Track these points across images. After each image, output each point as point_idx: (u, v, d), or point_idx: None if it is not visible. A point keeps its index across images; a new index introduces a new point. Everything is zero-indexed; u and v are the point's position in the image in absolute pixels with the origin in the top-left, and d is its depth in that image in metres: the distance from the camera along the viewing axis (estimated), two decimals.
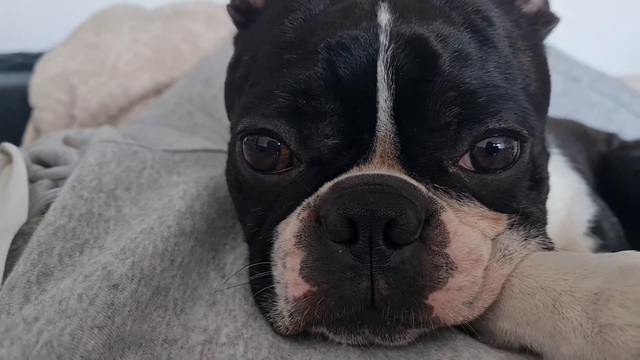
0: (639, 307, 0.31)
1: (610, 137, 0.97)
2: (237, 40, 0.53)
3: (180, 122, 0.83)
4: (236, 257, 0.47)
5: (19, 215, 0.44)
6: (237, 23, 0.54)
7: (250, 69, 0.45)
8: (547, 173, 0.47)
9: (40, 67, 1.24)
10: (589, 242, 0.61)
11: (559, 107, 1.11)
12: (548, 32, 0.54)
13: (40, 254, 0.40)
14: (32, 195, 0.52)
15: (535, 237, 0.41)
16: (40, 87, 1.20)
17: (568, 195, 0.60)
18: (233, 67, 0.50)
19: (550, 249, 0.42)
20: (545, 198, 0.48)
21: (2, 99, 1.36)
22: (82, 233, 0.43)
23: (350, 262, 0.36)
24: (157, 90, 1.19)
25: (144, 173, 0.53)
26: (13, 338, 0.32)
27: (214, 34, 1.26)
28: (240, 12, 0.54)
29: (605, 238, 0.62)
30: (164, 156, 0.57)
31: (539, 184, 0.44)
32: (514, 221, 0.41)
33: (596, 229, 0.61)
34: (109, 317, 0.35)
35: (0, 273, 0.39)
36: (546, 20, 0.53)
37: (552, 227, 0.58)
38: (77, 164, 0.52)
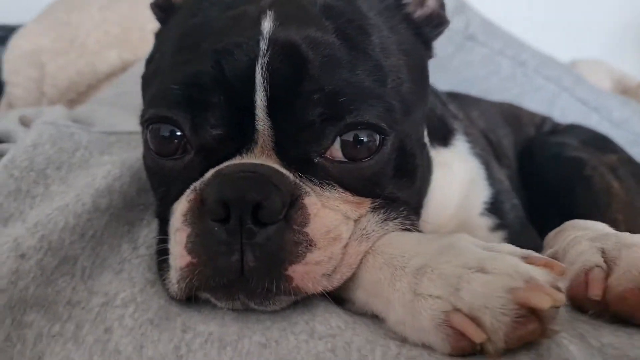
0: (441, 281, 0.38)
1: (542, 121, 1.02)
2: (156, 37, 0.59)
3: (134, 102, 0.89)
4: (150, 231, 0.53)
5: None
6: (159, 19, 0.60)
7: (158, 65, 0.51)
8: (421, 162, 0.53)
9: (12, 44, 1.29)
10: (486, 222, 0.67)
11: (505, 90, 1.18)
12: (439, 33, 0.59)
13: None
14: None
15: (395, 219, 0.47)
16: (12, 63, 1.25)
17: (466, 179, 0.66)
18: (148, 62, 0.55)
19: (410, 229, 0.48)
20: (421, 184, 0.54)
21: None
22: (8, 208, 0.49)
23: (224, 238, 0.42)
24: (124, 68, 1.24)
25: (77, 154, 0.59)
26: None
27: None
28: (161, 10, 0.59)
29: (502, 218, 0.68)
30: (100, 137, 0.63)
31: (410, 172, 0.50)
32: (376, 205, 0.47)
33: (492, 209, 0.67)
34: (12, 282, 0.41)
35: None
36: (438, 22, 0.59)
37: (449, 208, 0.65)
38: (15, 145, 0.58)
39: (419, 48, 0.56)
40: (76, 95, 1.23)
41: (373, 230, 0.46)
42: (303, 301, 0.45)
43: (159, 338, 0.41)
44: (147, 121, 0.48)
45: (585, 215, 0.78)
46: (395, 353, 0.38)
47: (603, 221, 0.75)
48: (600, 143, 0.90)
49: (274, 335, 0.41)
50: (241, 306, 0.44)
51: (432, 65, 1.24)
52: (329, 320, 0.42)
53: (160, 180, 0.49)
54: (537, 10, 1.84)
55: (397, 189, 0.49)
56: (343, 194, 0.45)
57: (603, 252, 0.42)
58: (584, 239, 0.46)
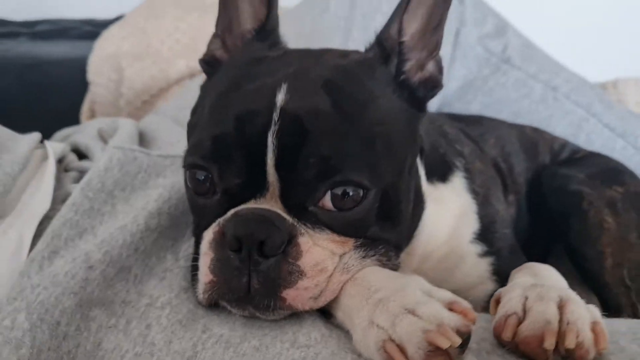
0: (386, 315, 0.50)
1: (561, 147, 1.10)
2: (201, 89, 0.72)
3: None
4: (189, 246, 0.68)
5: (44, 205, 0.67)
6: (205, 72, 0.73)
7: (198, 119, 0.65)
8: (407, 206, 0.65)
9: (97, 46, 1.48)
10: (475, 248, 0.78)
11: (535, 113, 1.25)
12: (433, 95, 0.70)
13: (52, 238, 0.62)
14: (62, 184, 0.76)
15: (372, 256, 0.59)
16: (96, 65, 1.44)
17: (458, 213, 0.77)
18: (193, 112, 0.69)
19: (386, 264, 0.61)
20: (408, 223, 0.66)
21: (67, 69, 1.61)
22: (83, 224, 0.65)
23: (237, 265, 0.56)
24: (192, 75, 1.41)
25: (138, 176, 0.75)
26: (23, 296, 0.55)
27: None
28: (208, 65, 0.73)
29: (491, 246, 0.78)
30: (157, 161, 0.79)
31: (393, 217, 0.62)
32: (358, 244, 0.59)
33: (481, 238, 0.78)
34: (82, 287, 0.57)
35: (27, 248, 0.62)
36: (433, 85, 0.69)
37: (440, 237, 0.76)
38: (92, 166, 0.74)
39: (412, 111, 0.66)
40: (149, 97, 1.40)
41: (353, 265, 0.58)
42: (297, 314, 0.59)
43: (183, 336, 0.55)
44: (187, 166, 0.62)
45: (578, 246, 0.88)
46: None
47: (592, 252, 0.85)
48: (609, 175, 0.97)
49: (266, 341, 0.55)
50: (249, 314, 0.58)
51: (469, 85, 1.34)
52: (311, 333, 0.56)
53: (196, 211, 0.64)
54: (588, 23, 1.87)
55: (380, 231, 0.61)
56: (331, 235, 0.58)
57: (526, 300, 0.53)
58: (519, 286, 0.57)
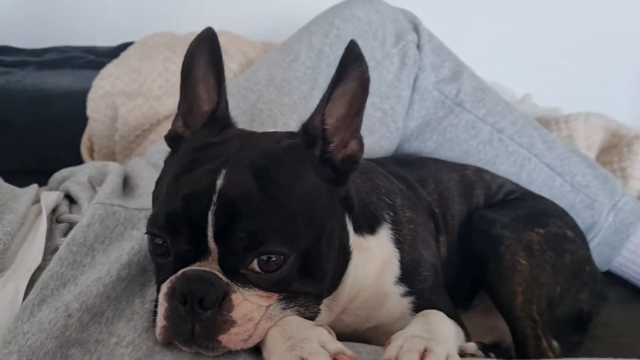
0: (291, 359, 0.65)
1: (498, 188, 1.24)
2: (165, 162, 0.87)
3: None
4: (154, 291, 0.83)
5: (37, 258, 0.83)
6: (170, 147, 0.89)
7: (159, 192, 0.80)
8: (328, 264, 0.80)
9: (95, 84, 1.63)
10: (397, 289, 0.92)
11: (482, 153, 1.40)
12: (353, 169, 0.84)
13: (41, 289, 0.78)
14: (53, 236, 0.92)
15: (292, 307, 0.74)
16: (94, 102, 1.60)
17: (383, 260, 0.91)
18: (157, 183, 0.84)
19: (305, 313, 0.76)
20: (326, 279, 0.80)
21: (69, 100, 1.77)
22: (67, 275, 0.81)
23: (183, 315, 0.71)
24: None
25: (116, 229, 0.91)
26: (16, 340, 0.71)
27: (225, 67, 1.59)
28: (173, 140, 0.88)
29: (412, 287, 0.92)
30: (133, 214, 0.94)
31: (313, 274, 0.77)
32: (281, 297, 0.74)
33: (403, 281, 0.92)
34: (62, 332, 0.72)
35: (21, 297, 0.78)
36: (354, 160, 0.84)
37: (367, 281, 0.91)
38: (78, 221, 0.90)
39: (331, 187, 0.80)
40: (142, 132, 1.55)
41: (276, 315, 0.74)
42: (235, 351, 0.74)
43: None
44: (147, 233, 0.77)
45: (494, 284, 1.02)
46: None
47: (505, 290, 1.00)
48: (533, 218, 1.10)
49: None
50: (195, 351, 0.74)
51: (426, 125, 1.49)
52: None
53: (156, 266, 0.79)
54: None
55: (300, 285, 0.76)
56: (258, 292, 0.73)
57: (400, 349, 0.68)
58: (402, 335, 0.71)
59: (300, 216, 0.74)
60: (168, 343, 0.75)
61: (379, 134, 1.36)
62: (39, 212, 0.94)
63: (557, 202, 1.32)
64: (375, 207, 0.95)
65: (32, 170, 1.69)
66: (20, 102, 1.78)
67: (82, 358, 0.73)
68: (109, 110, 1.56)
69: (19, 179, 1.48)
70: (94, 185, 1.08)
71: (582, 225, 1.32)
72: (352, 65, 0.79)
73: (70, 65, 2.04)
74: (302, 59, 1.37)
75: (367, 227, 0.92)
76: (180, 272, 0.73)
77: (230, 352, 0.74)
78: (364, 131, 1.40)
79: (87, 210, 0.92)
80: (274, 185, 0.74)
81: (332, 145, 0.82)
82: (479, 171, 1.27)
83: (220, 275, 0.72)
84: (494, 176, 1.28)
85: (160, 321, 0.73)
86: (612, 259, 1.33)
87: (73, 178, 1.13)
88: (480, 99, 1.40)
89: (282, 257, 0.73)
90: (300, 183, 0.76)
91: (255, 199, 0.72)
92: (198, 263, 0.73)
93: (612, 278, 1.39)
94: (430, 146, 1.41)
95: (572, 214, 1.31)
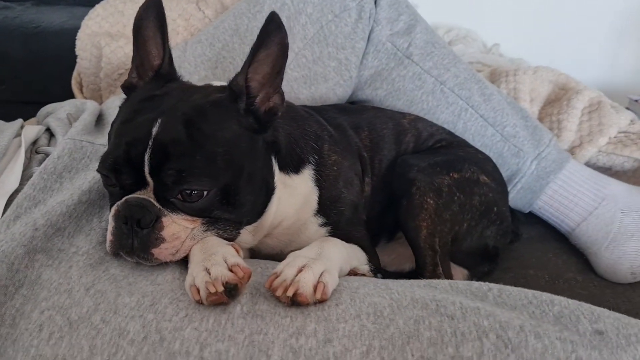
0: (198, 269, 0.84)
1: (429, 136, 1.39)
2: (120, 108, 1.04)
3: None
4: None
5: (14, 184, 1.02)
6: (126, 94, 1.05)
7: (110, 135, 0.98)
8: (250, 196, 0.97)
9: (83, 24, 1.78)
10: (317, 220, 1.10)
11: (424, 103, 1.54)
12: (274, 119, 1.00)
13: (16, 207, 0.97)
14: (31, 165, 1.10)
15: (212, 230, 0.93)
16: (82, 41, 1.75)
17: (304, 195, 1.09)
18: (112, 125, 1.01)
19: (224, 236, 0.94)
20: (247, 209, 0.98)
21: (62, 37, 1.92)
22: (38, 197, 1.00)
23: (125, 232, 0.90)
24: None
25: (82, 161, 1.09)
26: None
27: (201, 14, 1.73)
28: (128, 89, 1.04)
29: (328, 219, 1.11)
30: (98, 149, 1.12)
31: (233, 204, 0.94)
32: (204, 222, 0.93)
33: (320, 213, 1.10)
34: (30, 241, 0.92)
35: (0, 214, 0.97)
36: (275, 112, 1.00)
37: (290, 211, 1.09)
38: (51, 153, 1.09)
39: (253, 135, 0.97)
40: (124, 71, 1.71)
41: (198, 235, 0.92)
42: (167, 263, 0.93)
43: (90, 273, 0.90)
44: (98, 171, 0.95)
45: (404, 220, 1.20)
46: (169, 299, 0.85)
47: (412, 225, 1.17)
48: (449, 164, 1.25)
49: (137, 279, 0.89)
50: (136, 261, 0.93)
51: (378, 74, 1.63)
52: (167, 275, 0.90)
53: (108, 194, 0.98)
54: None
55: (221, 213, 0.94)
56: (184, 216, 0.92)
57: (285, 266, 0.86)
58: (291, 255, 0.89)
59: (220, 158, 0.91)
60: (115, 254, 0.94)
61: (334, 81, 1.50)
62: (20, 145, 1.12)
63: (487, 149, 1.48)
64: (302, 150, 1.11)
65: (26, 101, 1.87)
66: (16, 37, 1.94)
67: (46, 262, 0.93)
68: (94, 49, 1.71)
69: (14, 109, 1.68)
70: (71, 121, 1.26)
71: (507, 172, 1.49)
72: (273, 33, 0.93)
73: (65, 1, 2.19)
74: (266, 11, 1.49)
75: (293, 167, 1.09)
76: (124, 198, 0.92)
77: (164, 264, 0.93)
78: (319, 79, 1.57)
79: (59, 144, 1.11)
80: (199, 133, 0.91)
81: (256, 99, 0.98)
82: (415, 120, 1.41)
83: (155, 202, 0.91)
84: (430, 125, 1.43)
85: (108, 236, 0.93)
86: (532, 202, 1.49)
87: (54, 114, 1.30)
88: (428, 52, 1.52)
89: (204, 192, 0.91)
90: (223, 131, 0.93)
91: (182, 144, 0.89)
92: (138, 192, 0.92)
93: (535, 219, 1.55)
94: (381, 94, 1.55)
95: (499, 161, 1.48)
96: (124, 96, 1.09)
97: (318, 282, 0.83)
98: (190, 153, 0.89)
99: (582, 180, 1.46)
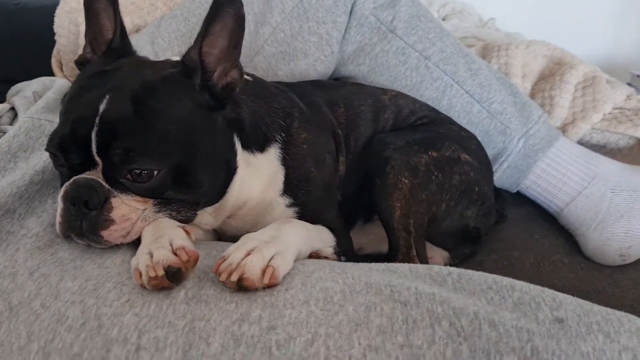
0: (142, 252, 0.81)
1: (410, 113, 1.34)
2: (73, 83, 1.00)
3: None
4: None
5: None
6: (79, 70, 1.01)
7: (60, 111, 0.94)
8: (203, 179, 0.92)
9: (62, 0, 1.74)
10: (283, 200, 1.06)
11: (408, 78, 1.48)
12: (231, 95, 0.95)
13: None
14: None
15: (165, 211, 0.89)
16: (60, 18, 1.71)
17: (269, 175, 1.04)
18: (63, 98, 0.98)
19: (176, 217, 0.90)
20: (205, 189, 0.94)
21: (43, 15, 1.88)
22: None
23: (73, 213, 0.87)
24: (137, 30, 1.66)
25: (39, 140, 1.05)
26: None
27: None
28: (82, 64, 1.00)
29: (295, 199, 1.06)
30: None
31: (189, 185, 0.90)
32: (156, 202, 0.89)
33: (287, 194, 1.06)
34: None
35: None
36: (233, 87, 0.95)
37: (254, 192, 1.05)
38: (7, 132, 1.05)
39: (208, 112, 0.92)
40: None
41: (150, 217, 0.89)
42: (118, 245, 0.90)
43: (36, 257, 0.87)
44: (47, 149, 0.91)
45: (377, 200, 1.15)
46: (113, 283, 0.81)
47: (386, 205, 1.13)
48: (428, 142, 1.21)
49: (85, 263, 0.86)
50: (86, 244, 0.90)
51: (361, 49, 1.57)
52: (116, 259, 0.86)
53: (58, 174, 0.94)
54: None
55: (175, 194, 0.90)
56: (134, 197, 0.88)
57: (235, 249, 0.82)
58: (243, 238, 0.85)
59: (172, 137, 0.87)
60: (66, 236, 0.91)
61: (314, 57, 1.44)
62: None
63: (473, 127, 1.42)
64: (268, 128, 1.07)
65: (9, 79, 1.84)
66: (1, 16, 1.91)
67: None
68: (72, 26, 1.67)
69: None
70: (36, 99, 1.22)
71: (494, 150, 1.43)
72: (227, 3, 0.88)
73: None
74: None
75: (258, 145, 1.05)
76: (72, 179, 0.88)
77: (115, 247, 0.89)
78: (298, 54, 1.51)
79: (17, 123, 1.07)
80: (149, 111, 0.86)
81: (214, 74, 0.93)
82: (397, 96, 1.36)
83: (103, 183, 0.87)
84: (412, 102, 1.37)
85: (57, 218, 0.89)
86: (520, 181, 1.44)
87: (22, 92, 1.27)
88: (413, 26, 1.46)
89: (154, 172, 0.86)
90: (174, 109, 0.88)
91: (130, 122, 0.85)
92: (87, 172, 0.88)
93: (523, 199, 1.50)
94: (364, 70, 1.49)
95: (486, 138, 1.42)
96: None
97: (267, 265, 0.79)
98: (139, 131, 0.85)
99: (571, 158, 1.40)
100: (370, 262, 1.06)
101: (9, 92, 1.36)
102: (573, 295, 0.76)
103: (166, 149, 0.87)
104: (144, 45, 1.38)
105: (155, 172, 0.87)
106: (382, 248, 1.28)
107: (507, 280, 0.78)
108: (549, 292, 0.74)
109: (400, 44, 1.45)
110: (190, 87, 0.91)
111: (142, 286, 0.78)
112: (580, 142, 1.56)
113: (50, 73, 1.79)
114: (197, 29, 1.40)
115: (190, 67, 0.91)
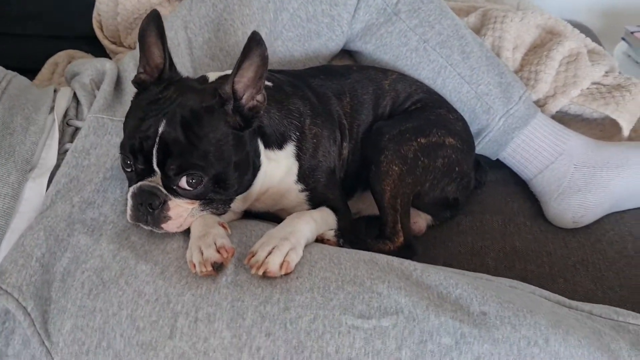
0: (195, 247, 1.11)
1: (407, 96, 1.56)
2: (132, 102, 1.26)
3: None
4: None
5: (53, 160, 1.28)
6: (137, 89, 1.26)
7: (126, 124, 1.20)
8: (238, 179, 1.21)
9: None
10: (297, 187, 1.34)
11: (407, 59, 1.69)
12: (259, 115, 1.21)
13: (56, 184, 1.23)
14: (64, 140, 1.35)
15: (207, 209, 1.19)
16: None
17: (286, 167, 1.32)
18: (126, 116, 1.24)
19: (216, 212, 1.21)
20: (234, 190, 1.22)
21: None
22: (72, 174, 1.25)
23: (141, 211, 1.17)
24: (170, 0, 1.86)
25: (105, 137, 1.33)
26: (41, 221, 1.18)
27: None
28: (139, 84, 1.25)
29: (307, 185, 1.35)
30: (118, 125, 1.36)
31: (223, 188, 1.19)
32: (200, 202, 1.19)
33: (300, 181, 1.34)
34: (69, 216, 1.19)
35: (44, 188, 1.24)
36: (257, 110, 1.20)
37: (273, 181, 1.33)
38: (79, 131, 1.33)
39: (238, 133, 1.18)
40: (138, 16, 1.88)
41: (196, 213, 1.19)
42: (174, 233, 1.21)
43: (114, 240, 1.18)
44: (121, 152, 1.19)
45: (372, 183, 1.44)
46: (175, 267, 1.14)
47: (379, 189, 1.41)
48: (418, 129, 1.45)
49: (150, 248, 1.17)
50: (151, 229, 1.21)
51: (368, 29, 1.78)
52: (174, 244, 1.18)
53: (125, 175, 1.24)
54: None
55: (215, 195, 1.19)
56: (185, 200, 1.17)
57: (262, 244, 1.13)
58: (266, 235, 1.16)
59: (212, 155, 1.14)
60: (135, 224, 1.22)
61: (326, 37, 1.65)
62: (54, 120, 1.36)
63: (462, 105, 1.65)
64: (285, 129, 1.33)
65: (56, 35, 2.07)
66: None
67: (83, 230, 1.21)
68: None
69: (42, 43, 1.91)
70: (94, 88, 1.48)
71: (478, 126, 1.67)
72: (254, 48, 1.11)
73: None
74: None
75: (277, 144, 1.31)
76: (139, 184, 1.17)
77: (173, 234, 1.21)
78: (312, 35, 1.72)
79: (85, 122, 1.35)
80: (194, 135, 1.13)
81: (243, 100, 1.18)
82: (396, 80, 1.58)
83: (162, 189, 1.16)
84: (410, 84, 1.59)
85: (128, 211, 1.20)
86: (498, 152, 1.69)
87: (79, 77, 1.52)
88: (416, 9, 1.64)
89: (200, 179, 1.15)
90: (213, 133, 1.15)
91: (181, 143, 1.12)
92: (149, 179, 1.17)
93: (502, 163, 1.76)
94: (370, 48, 1.70)
95: (472, 116, 1.66)
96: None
97: (284, 260, 1.10)
98: (187, 151, 1.12)
99: (543, 135, 1.64)
100: (366, 224, 1.37)
101: (66, 72, 1.61)
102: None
103: (207, 165, 1.15)
104: (178, 30, 1.59)
105: (200, 181, 1.16)
106: (376, 211, 1.58)
107: (455, 278, 1.08)
108: (480, 291, 1.05)
109: (402, 26, 1.64)
110: (225, 113, 1.17)
111: (195, 273, 1.10)
112: (559, 112, 1.79)
113: (92, 32, 2.01)
114: (224, 15, 1.64)
115: (224, 98, 1.17)
